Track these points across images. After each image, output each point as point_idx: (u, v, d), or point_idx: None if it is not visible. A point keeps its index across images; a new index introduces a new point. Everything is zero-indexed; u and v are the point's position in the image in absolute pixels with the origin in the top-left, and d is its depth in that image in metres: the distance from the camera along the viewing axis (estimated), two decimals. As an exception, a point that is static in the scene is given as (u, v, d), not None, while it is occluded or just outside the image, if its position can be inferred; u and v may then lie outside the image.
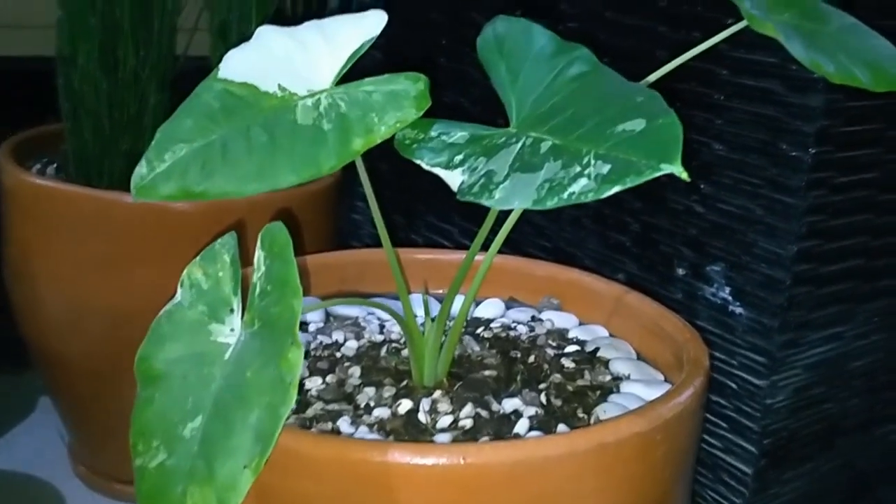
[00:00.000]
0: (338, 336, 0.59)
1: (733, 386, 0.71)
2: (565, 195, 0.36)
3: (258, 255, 0.41)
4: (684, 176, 0.34)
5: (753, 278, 0.68)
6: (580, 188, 0.36)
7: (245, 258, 0.45)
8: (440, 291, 0.66)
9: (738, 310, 0.70)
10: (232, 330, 0.42)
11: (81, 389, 0.89)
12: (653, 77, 0.48)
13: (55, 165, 0.94)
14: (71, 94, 0.87)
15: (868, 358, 0.75)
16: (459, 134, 0.42)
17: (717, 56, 0.69)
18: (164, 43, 0.87)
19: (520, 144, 0.40)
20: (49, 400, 0.97)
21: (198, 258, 0.43)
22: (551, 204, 0.36)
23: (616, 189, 0.35)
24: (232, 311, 0.42)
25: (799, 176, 0.65)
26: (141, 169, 0.40)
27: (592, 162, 0.36)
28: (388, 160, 0.94)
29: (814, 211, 0.66)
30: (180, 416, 0.39)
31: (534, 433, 0.48)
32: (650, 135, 0.35)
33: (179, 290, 0.43)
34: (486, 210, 0.48)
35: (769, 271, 0.67)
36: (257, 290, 0.41)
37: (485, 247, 0.51)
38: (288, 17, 0.87)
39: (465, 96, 0.89)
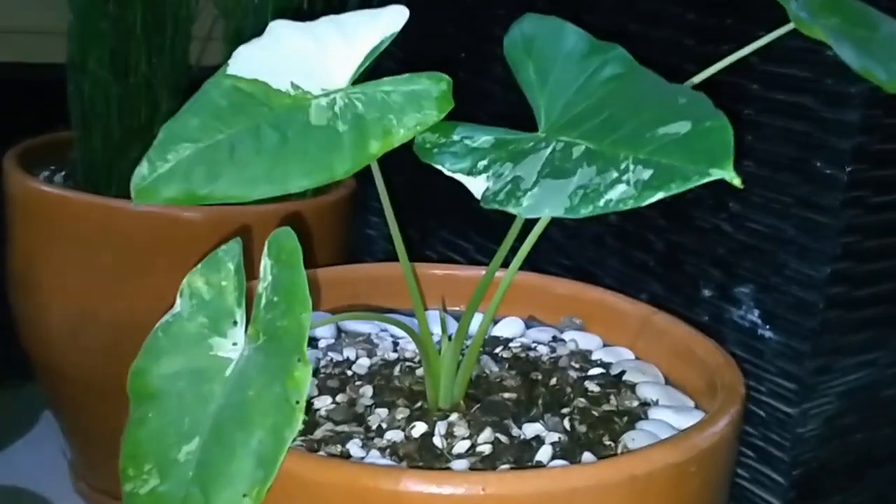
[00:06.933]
0: (349, 353, 0.57)
1: (762, 414, 0.69)
2: (601, 202, 0.33)
3: (265, 263, 0.39)
4: (737, 182, 0.31)
5: (784, 301, 0.66)
6: (618, 195, 0.33)
7: (253, 271, 0.42)
8: (457, 309, 0.63)
9: (768, 333, 0.68)
10: (235, 344, 0.39)
11: (83, 404, 0.87)
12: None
13: (63, 173, 0.92)
14: (81, 101, 0.86)
15: (901, 386, 0.73)
16: (484, 138, 0.40)
17: (747, 70, 0.67)
18: (178, 50, 0.85)
19: (549, 149, 0.37)
20: (51, 414, 0.95)
21: (199, 266, 0.40)
22: (585, 212, 0.33)
23: (659, 195, 0.32)
24: (235, 323, 0.39)
25: (833, 194, 0.63)
26: (142, 169, 0.38)
27: (631, 167, 0.33)
28: (402, 174, 0.92)
29: (849, 231, 0.64)
30: (175, 437, 0.36)
31: (557, 462, 0.45)
32: (697, 138, 0.33)
33: (179, 300, 0.40)
34: (504, 227, 0.46)
35: (801, 293, 0.65)
36: (263, 301, 0.38)
37: (504, 264, 0.48)
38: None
39: (484, 111, 0.87)
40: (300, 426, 0.36)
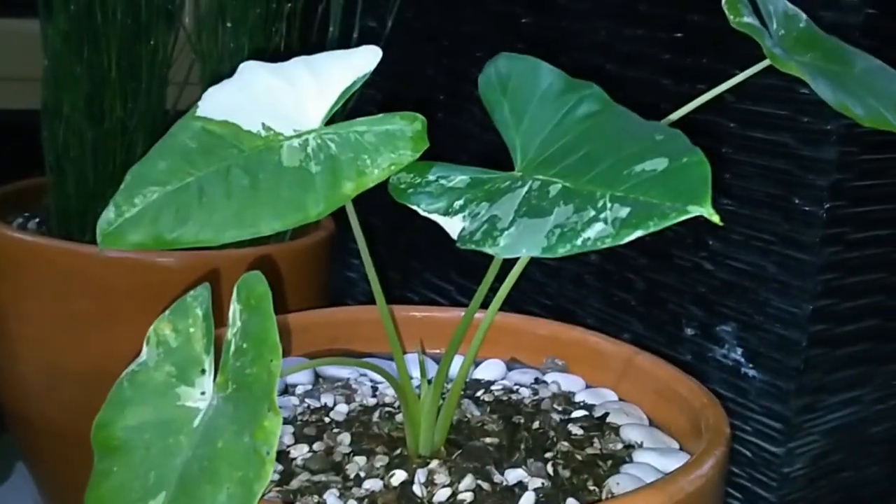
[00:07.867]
0: (327, 399, 0.55)
1: (747, 454, 0.67)
2: (579, 241, 0.32)
3: (233, 308, 0.37)
4: (715, 219, 0.31)
5: (767, 339, 0.66)
6: (596, 233, 0.32)
7: (224, 318, 0.41)
8: (437, 351, 0.62)
9: (752, 372, 0.67)
10: (203, 393, 0.37)
11: (57, 456, 0.85)
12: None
13: (37, 220, 0.91)
14: (55, 146, 0.84)
15: (888, 423, 0.72)
16: (459, 178, 0.39)
17: (723, 108, 0.67)
18: (154, 94, 0.85)
19: (526, 188, 0.36)
20: (25, 466, 0.93)
21: (166, 312, 0.39)
22: (563, 251, 0.33)
23: (638, 234, 0.32)
24: (203, 371, 0.38)
25: (813, 231, 0.63)
26: (108, 214, 0.37)
27: (608, 205, 0.32)
28: (381, 215, 0.92)
29: (829, 268, 0.64)
30: (141, 492, 0.34)
31: (540, 509, 0.44)
32: (674, 175, 0.32)
33: (145, 349, 0.39)
34: (485, 268, 0.45)
35: (784, 331, 0.65)
36: (232, 348, 0.37)
37: (484, 304, 0.47)
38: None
39: (464, 152, 0.87)
40: (272, 477, 0.34)
